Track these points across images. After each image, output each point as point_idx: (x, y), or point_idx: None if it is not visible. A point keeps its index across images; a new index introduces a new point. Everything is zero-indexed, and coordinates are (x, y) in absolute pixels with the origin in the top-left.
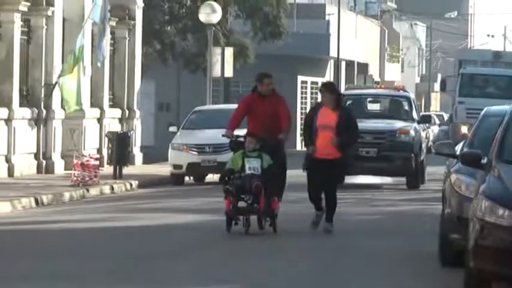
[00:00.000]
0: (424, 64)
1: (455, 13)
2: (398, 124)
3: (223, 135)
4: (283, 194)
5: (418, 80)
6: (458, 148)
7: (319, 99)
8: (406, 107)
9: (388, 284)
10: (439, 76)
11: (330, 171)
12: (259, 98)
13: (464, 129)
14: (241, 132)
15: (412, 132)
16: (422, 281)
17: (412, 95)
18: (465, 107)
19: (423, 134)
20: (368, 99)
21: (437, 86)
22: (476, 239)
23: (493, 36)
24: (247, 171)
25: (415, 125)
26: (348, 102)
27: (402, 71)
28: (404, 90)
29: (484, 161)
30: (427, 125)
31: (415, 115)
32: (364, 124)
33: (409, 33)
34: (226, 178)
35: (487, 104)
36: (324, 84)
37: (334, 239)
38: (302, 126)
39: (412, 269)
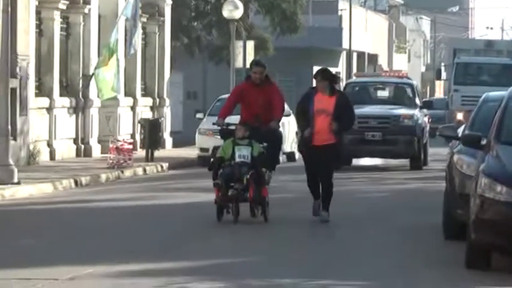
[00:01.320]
0: (429, 54)
1: (457, 7)
2: (402, 109)
3: (213, 124)
4: (275, 168)
5: (423, 69)
6: (460, 131)
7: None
8: (410, 94)
9: (396, 254)
10: (442, 65)
11: (326, 156)
12: (252, 86)
13: (459, 115)
14: (234, 119)
15: (415, 117)
16: (428, 252)
17: (414, 82)
18: (460, 95)
19: (425, 119)
20: (373, 86)
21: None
22: (477, 213)
23: (491, 28)
24: (237, 159)
25: (418, 110)
26: (356, 89)
27: (409, 61)
28: (408, 78)
29: (484, 142)
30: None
31: (417, 101)
32: (369, 109)
33: (414, 26)
34: (216, 166)
35: (481, 91)
36: (319, 71)
37: (346, 214)
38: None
39: (418, 241)
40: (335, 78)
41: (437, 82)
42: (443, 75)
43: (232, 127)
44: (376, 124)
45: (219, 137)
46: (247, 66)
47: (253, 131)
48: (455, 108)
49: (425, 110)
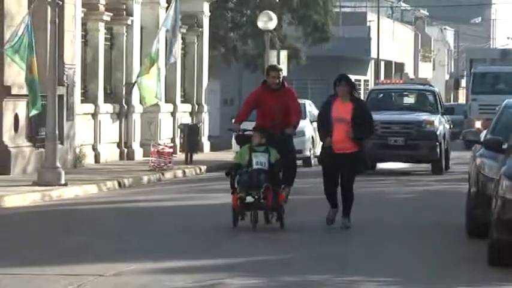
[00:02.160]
0: (453, 63)
1: (480, 19)
2: (424, 115)
3: (229, 129)
4: (293, 183)
5: (447, 77)
6: (482, 135)
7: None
8: (432, 100)
9: (421, 251)
10: (461, 75)
11: (347, 165)
12: (268, 91)
13: (478, 123)
14: (249, 125)
15: (437, 123)
16: (452, 250)
17: (436, 89)
18: (478, 104)
19: (447, 125)
20: (397, 93)
21: (463, 83)
22: (499, 213)
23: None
24: (254, 166)
25: (439, 116)
26: (380, 96)
27: (433, 69)
28: (430, 85)
29: (505, 146)
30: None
31: (439, 107)
32: (392, 115)
33: (439, 36)
34: (233, 173)
35: (498, 99)
36: (340, 77)
37: (373, 214)
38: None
39: (442, 239)
40: (355, 85)
41: (460, 89)
42: (463, 83)
43: (249, 133)
44: (398, 129)
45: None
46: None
47: (269, 137)
48: (474, 117)
49: (447, 116)
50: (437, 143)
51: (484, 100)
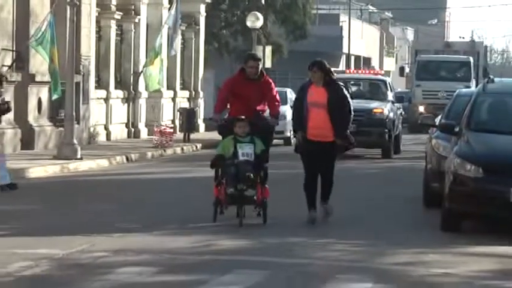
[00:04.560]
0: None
1: (436, 20)
2: (375, 103)
3: (209, 119)
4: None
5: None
6: (437, 120)
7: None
8: (383, 89)
9: (385, 218)
10: (405, 63)
11: (327, 154)
12: (246, 80)
13: (421, 108)
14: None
15: (386, 111)
16: (411, 217)
17: (388, 79)
18: (421, 90)
19: (398, 112)
20: (351, 82)
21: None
22: (450, 186)
23: (463, 38)
24: (240, 158)
25: (390, 104)
26: None
27: (396, 63)
28: (382, 75)
29: (457, 129)
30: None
31: (390, 96)
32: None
33: (401, 35)
34: (221, 164)
35: (439, 86)
36: (313, 63)
37: (343, 187)
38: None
39: (403, 208)
40: (330, 70)
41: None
42: (407, 72)
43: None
44: (352, 117)
45: None
46: (266, 66)
47: (252, 127)
48: (417, 102)
49: (397, 104)
50: (385, 130)
51: (427, 86)
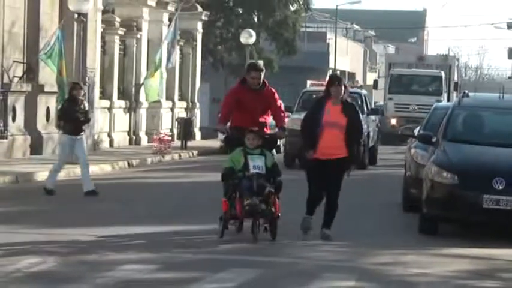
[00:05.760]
0: None
1: (415, 38)
2: None
3: (215, 130)
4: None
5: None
6: (416, 131)
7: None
8: (358, 102)
9: (366, 222)
10: (378, 77)
11: (336, 170)
12: (249, 91)
13: (393, 121)
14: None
15: (364, 123)
16: (390, 221)
17: (364, 92)
18: (394, 103)
19: (373, 124)
20: None
21: (382, 84)
22: (428, 193)
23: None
24: (252, 170)
25: (365, 116)
26: (312, 96)
27: (378, 78)
28: (358, 88)
29: (434, 140)
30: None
31: (365, 108)
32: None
33: (383, 52)
34: (235, 179)
35: (411, 99)
36: (336, 77)
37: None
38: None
39: (383, 212)
40: (346, 87)
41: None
42: (382, 85)
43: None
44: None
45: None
46: None
47: (264, 139)
48: (390, 115)
49: (373, 117)
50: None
51: (399, 99)
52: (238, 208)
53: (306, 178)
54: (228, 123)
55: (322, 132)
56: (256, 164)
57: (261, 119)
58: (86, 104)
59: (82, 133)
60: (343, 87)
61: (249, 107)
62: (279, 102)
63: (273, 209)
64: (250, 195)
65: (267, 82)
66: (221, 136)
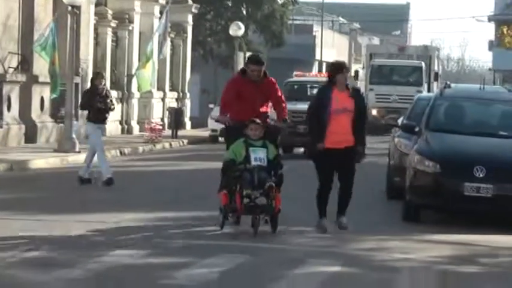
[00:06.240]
0: None
1: (399, 31)
2: None
3: (216, 121)
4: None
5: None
6: (399, 121)
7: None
8: None
9: (352, 209)
10: (360, 67)
11: (348, 160)
12: (249, 82)
13: (374, 111)
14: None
15: None
16: (375, 208)
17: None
18: (374, 93)
19: None
20: (308, 85)
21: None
22: (411, 181)
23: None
24: (253, 163)
25: None
26: (294, 87)
27: (363, 69)
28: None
29: (417, 129)
30: None
31: None
32: (302, 105)
33: (368, 44)
34: (236, 171)
35: (392, 90)
36: (342, 64)
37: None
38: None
39: (368, 200)
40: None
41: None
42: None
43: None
44: (304, 118)
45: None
46: None
47: (266, 130)
48: (371, 105)
49: None
50: None
51: (380, 90)
52: (238, 202)
53: (316, 168)
54: (228, 115)
55: (330, 120)
56: (258, 156)
57: (262, 109)
58: (110, 93)
59: (105, 121)
60: (347, 74)
61: (249, 98)
62: (280, 92)
63: (273, 204)
64: (251, 188)
65: (267, 73)
66: (212, 125)
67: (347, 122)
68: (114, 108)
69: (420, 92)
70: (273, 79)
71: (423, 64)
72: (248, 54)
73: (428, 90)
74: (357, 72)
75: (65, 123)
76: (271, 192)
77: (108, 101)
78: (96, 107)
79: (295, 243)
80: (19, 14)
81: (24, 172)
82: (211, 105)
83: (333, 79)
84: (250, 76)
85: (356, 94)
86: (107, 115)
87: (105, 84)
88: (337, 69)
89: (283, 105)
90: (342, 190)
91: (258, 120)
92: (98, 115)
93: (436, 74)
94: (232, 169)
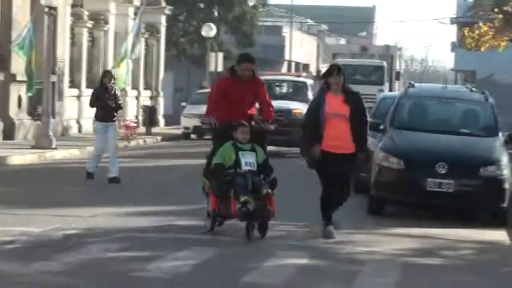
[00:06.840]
0: None
1: (365, 32)
2: (295, 104)
3: (202, 122)
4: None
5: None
6: None
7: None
8: (304, 90)
9: (317, 203)
10: (322, 67)
11: (347, 167)
12: (238, 82)
13: None
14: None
15: (304, 111)
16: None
17: (309, 81)
18: None
19: None
20: (275, 84)
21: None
22: (376, 176)
23: None
24: (244, 168)
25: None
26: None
27: None
28: (304, 77)
29: (382, 127)
30: None
31: (310, 96)
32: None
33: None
34: (226, 177)
35: (355, 89)
36: (335, 67)
37: (286, 179)
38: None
39: None
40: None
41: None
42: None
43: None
44: (275, 117)
45: (197, 118)
46: (218, 70)
47: (253, 133)
48: None
49: None
50: None
51: None
52: (233, 208)
53: (318, 177)
54: (215, 116)
55: (325, 123)
56: (248, 160)
57: (249, 112)
58: (118, 92)
59: (114, 119)
60: (341, 77)
61: (238, 100)
62: (267, 95)
63: (269, 208)
64: (249, 194)
65: (256, 73)
66: (185, 123)
67: (344, 127)
68: (122, 107)
69: (382, 90)
70: (261, 79)
71: (385, 63)
72: (220, 54)
73: (390, 89)
74: (319, 71)
75: (42, 121)
76: (267, 198)
77: (118, 99)
78: (106, 105)
79: (265, 237)
80: None
81: (2, 168)
82: (183, 104)
83: (327, 82)
84: (240, 76)
85: (352, 99)
86: (115, 114)
87: (114, 83)
88: (328, 72)
89: (271, 108)
90: (339, 196)
91: (246, 123)
92: (108, 113)
93: (398, 73)
94: (222, 173)
